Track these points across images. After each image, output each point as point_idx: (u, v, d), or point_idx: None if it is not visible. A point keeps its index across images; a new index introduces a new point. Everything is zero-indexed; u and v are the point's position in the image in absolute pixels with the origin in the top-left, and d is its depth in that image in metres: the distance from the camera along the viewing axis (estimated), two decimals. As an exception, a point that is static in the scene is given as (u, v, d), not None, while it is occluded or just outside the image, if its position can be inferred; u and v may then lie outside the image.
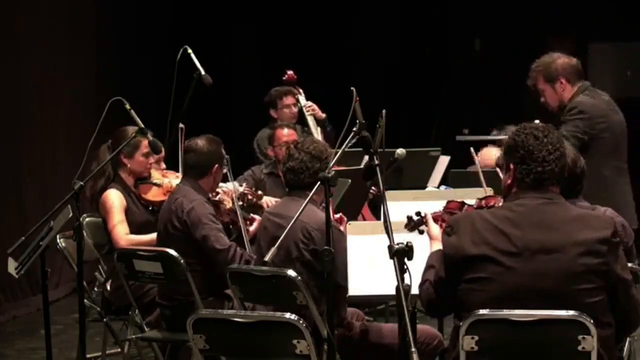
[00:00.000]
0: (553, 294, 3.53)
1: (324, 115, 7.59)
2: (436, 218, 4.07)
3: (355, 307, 5.03)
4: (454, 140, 8.07)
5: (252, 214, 5.76)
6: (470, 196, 4.66)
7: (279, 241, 4.16)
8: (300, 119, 7.61)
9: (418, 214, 4.06)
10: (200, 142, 5.43)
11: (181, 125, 6.14)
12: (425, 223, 4.05)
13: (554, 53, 6.01)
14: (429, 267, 3.83)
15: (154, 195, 5.86)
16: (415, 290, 3.69)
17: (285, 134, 6.87)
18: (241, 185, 5.96)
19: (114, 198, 5.71)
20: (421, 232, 3.93)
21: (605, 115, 5.83)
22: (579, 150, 4.67)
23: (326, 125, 7.51)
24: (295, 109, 7.55)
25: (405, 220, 4.14)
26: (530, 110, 6.38)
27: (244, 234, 5.58)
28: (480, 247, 3.59)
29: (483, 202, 4.01)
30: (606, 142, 5.75)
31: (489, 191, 4.97)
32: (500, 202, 3.92)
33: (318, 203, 4.64)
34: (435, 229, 4.01)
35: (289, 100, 7.53)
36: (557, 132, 3.75)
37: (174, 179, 5.89)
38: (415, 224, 4.05)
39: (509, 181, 3.71)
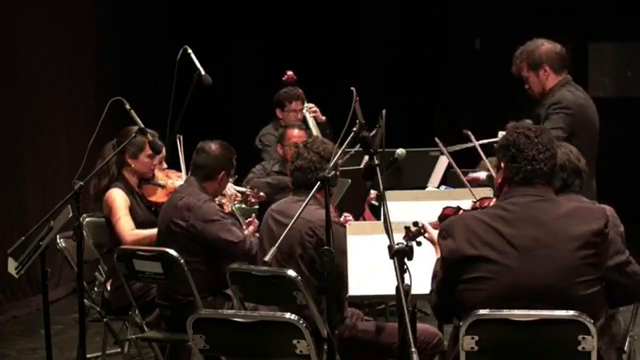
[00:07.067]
0: (551, 289, 3.54)
1: (324, 118, 7.60)
2: (435, 227, 4.06)
3: (355, 307, 5.04)
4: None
5: (253, 216, 5.78)
6: (469, 196, 4.66)
7: (279, 241, 4.16)
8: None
9: (415, 224, 4.05)
10: (214, 145, 5.45)
11: (179, 135, 6.16)
12: (424, 232, 4.04)
13: (538, 39, 5.88)
14: (434, 275, 3.84)
15: (158, 196, 5.87)
16: (415, 290, 3.69)
17: (296, 134, 6.87)
18: (244, 187, 5.99)
19: (117, 196, 5.72)
20: (419, 244, 3.91)
21: (585, 112, 5.76)
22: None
23: (326, 128, 7.51)
24: (300, 115, 7.58)
25: (408, 223, 4.12)
26: (530, 110, 6.37)
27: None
28: (477, 247, 3.60)
29: (477, 204, 4.02)
30: (583, 139, 5.67)
31: (488, 192, 4.95)
32: (494, 203, 3.92)
33: (322, 202, 4.64)
34: (436, 234, 4.00)
35: (297, 105, 7.55)
36: (549, 133, 3.76)
37: (177, 180, 5.91)
38: (413, 234, 4.03)
39: (500, 180, 3.74)
